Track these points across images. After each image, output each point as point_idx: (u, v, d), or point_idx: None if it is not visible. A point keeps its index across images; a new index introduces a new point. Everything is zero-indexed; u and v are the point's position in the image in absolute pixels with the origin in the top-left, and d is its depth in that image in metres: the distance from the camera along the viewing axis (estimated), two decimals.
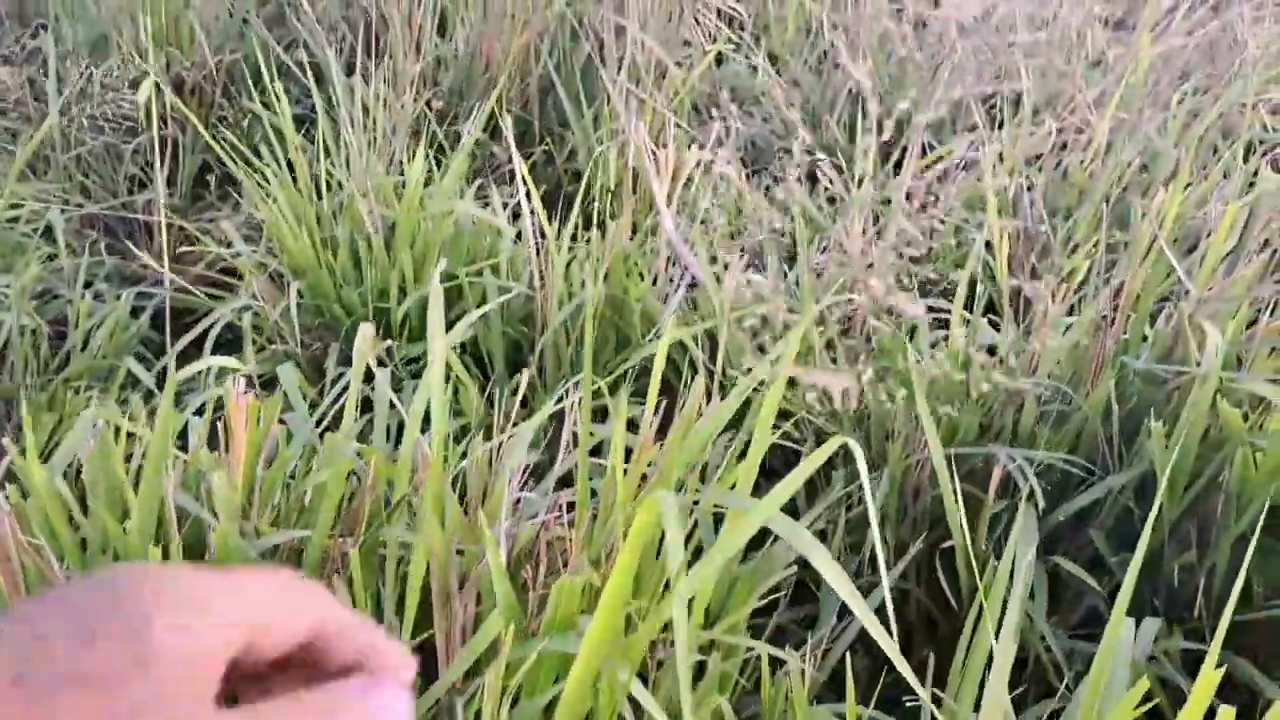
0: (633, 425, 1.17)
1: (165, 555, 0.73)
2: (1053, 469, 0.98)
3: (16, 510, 0.68)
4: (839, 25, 2.32)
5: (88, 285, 1.43)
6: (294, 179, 1.35)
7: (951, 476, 0.89)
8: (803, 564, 0.88)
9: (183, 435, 0.97)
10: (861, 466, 0.58)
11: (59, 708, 0.25)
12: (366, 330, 0.86)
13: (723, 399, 1.09)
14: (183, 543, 0.79)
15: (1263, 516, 0.88)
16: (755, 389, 0.90)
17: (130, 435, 0.92)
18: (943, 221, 1.47)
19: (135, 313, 1.39)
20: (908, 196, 1.66)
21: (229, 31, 1.78)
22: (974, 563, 0.89)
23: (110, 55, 1.71)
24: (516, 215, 1.37)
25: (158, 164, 1.33)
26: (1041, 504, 0.88)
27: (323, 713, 0.29)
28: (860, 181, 1.50)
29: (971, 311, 1.06)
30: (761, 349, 1.11)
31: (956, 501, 0.87)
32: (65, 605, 0.26)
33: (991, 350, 1.06)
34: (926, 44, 2.14)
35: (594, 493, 0.76)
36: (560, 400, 1.17)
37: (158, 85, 1.70)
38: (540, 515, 0.73)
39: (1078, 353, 1.00)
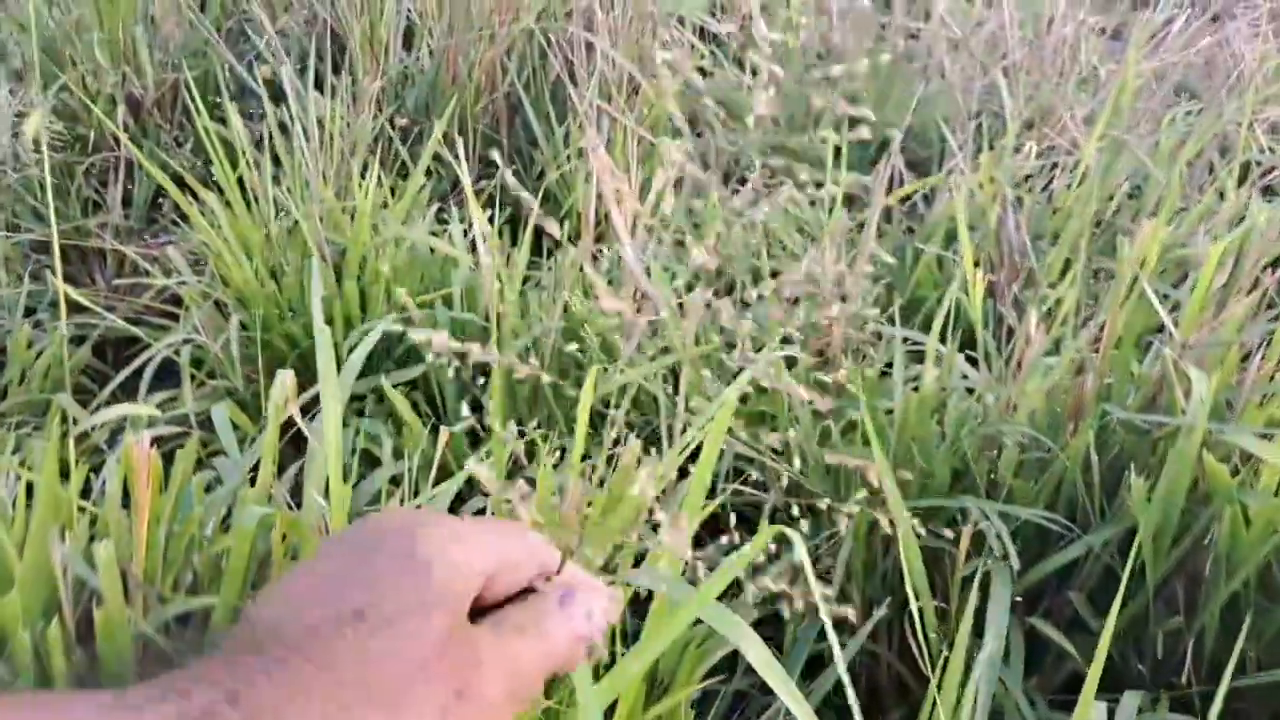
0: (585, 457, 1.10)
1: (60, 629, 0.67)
2: (1030, 522, 0.92)
3: None
4: (824, 39, 2.26)
5: (30, 313, 1.37)
6: (246, 201, 1.29)
7: (922, 531, 0.82)
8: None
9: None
10: (800, 552, 0.51)
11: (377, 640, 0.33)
12: (284, 377, 0.80)
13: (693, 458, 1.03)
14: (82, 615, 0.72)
15: (1254, 578, 0.82)
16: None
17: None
18: (921, 249, 1.41)
19: (81, 341, 1.33)
20: (887, 218, 1.59)
21: (189, 48, 1.73)
22: (932, 626, 0.82)
23: (65, 72, 1.65)
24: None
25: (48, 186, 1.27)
26: (1017, 563, 0.81)
27: (532, 620, 0.38)
28: (833, 204, 1.44)
29: (946, 344, 0.99)
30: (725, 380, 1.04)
31: (920, 558, 0.81)
32: (362, 553, 0.36)
33: (969, 390, 1.00)
34: (916, 57, 2.08)
35: None
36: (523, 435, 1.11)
37: (113, 99, 1.64)
38: None
39: (1057, 396, 0.93)
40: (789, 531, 0.51)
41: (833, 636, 0.51)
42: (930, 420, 0.92)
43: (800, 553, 0.48)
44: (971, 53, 1.97)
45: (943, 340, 0.97)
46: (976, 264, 1.33)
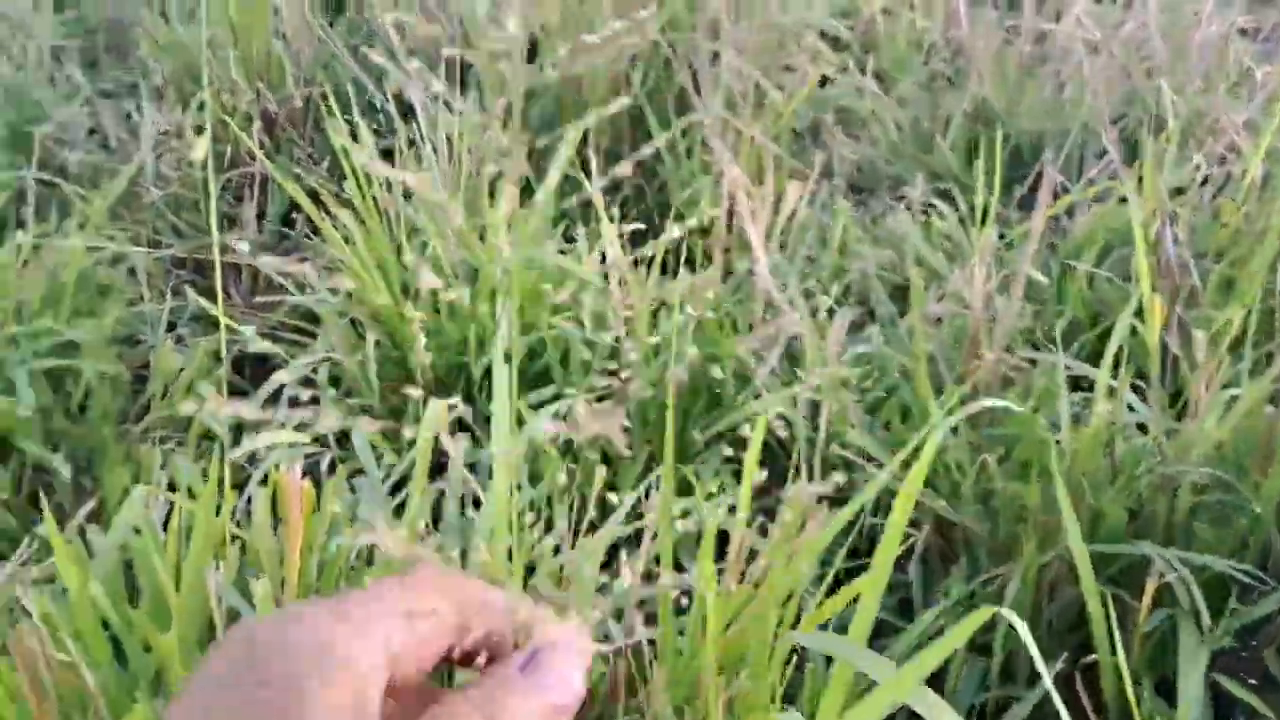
0: (722, 494, 1.07)
1: None
2: (1212, 567, 0.85)
3: (47, 619, 0.63)
4: (951, 41, 2.18)
5: (171, 328, 1.41)
6: (378, 215, 1.30)
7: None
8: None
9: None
10: (1024, 634, 0.47)
11: None
12: (438, 408, 0.79)
13: (824, 476, 0.98)
14: None
15: None
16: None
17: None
18: (1070, 265, 1.33)
19: (219, 356, 1.35)
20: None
21: (319, 63, 1.75)
22: (1128, 684, 0.77)
23: (201, 90, 1.69)
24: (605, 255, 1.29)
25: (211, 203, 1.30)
26: (1207, 619, 0.75)
27: (485, 702, 0.29)
28: (983, 216, 1.37)
29: (1116, 375, 0.93)
30: (870, 412, 1.00)
31: (1106, 612, 0.75)
32: (219, 690, 0.27)
33: (1141, 427, 0.93)
34: (1050, 61, 1.99)
35: (678, 606, 0.67)
36: (649, 472, 1.08)
37: (248, 115, 1.68)
38: (616, 638, 0.64)
39: (1242, 432, 0.86)
40: (1006, 613, 0.46)
41: (1058, 701, 0.47)
42: (1101, 457, 0.86)
43: (1024, 635, 0.44)
44: (1112, 53, 1.87)
45: (1115, 368, 0.91)
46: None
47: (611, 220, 1.18)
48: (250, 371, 1.38)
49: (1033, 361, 1.19)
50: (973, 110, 1.94)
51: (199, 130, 1.53)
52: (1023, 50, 2.11)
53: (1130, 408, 0.95)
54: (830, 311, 1.24)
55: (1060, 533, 0.86)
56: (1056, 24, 2.10)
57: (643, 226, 1.59)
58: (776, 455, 1.18)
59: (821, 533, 0.58)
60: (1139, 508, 0.86)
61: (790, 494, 0.62)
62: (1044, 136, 1.89)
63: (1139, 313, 0.95)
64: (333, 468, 1.14)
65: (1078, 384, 1.16)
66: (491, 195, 1.34)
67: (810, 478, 0.90)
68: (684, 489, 1.12)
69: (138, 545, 0.73)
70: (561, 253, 1.31)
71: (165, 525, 0.86)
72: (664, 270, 1.35)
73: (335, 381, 1.23)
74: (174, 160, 1.54)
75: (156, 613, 0.70)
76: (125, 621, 0.67)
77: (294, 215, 1.62)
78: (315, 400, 1.22)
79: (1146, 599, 0.76)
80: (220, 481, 0.70)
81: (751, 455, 0.61)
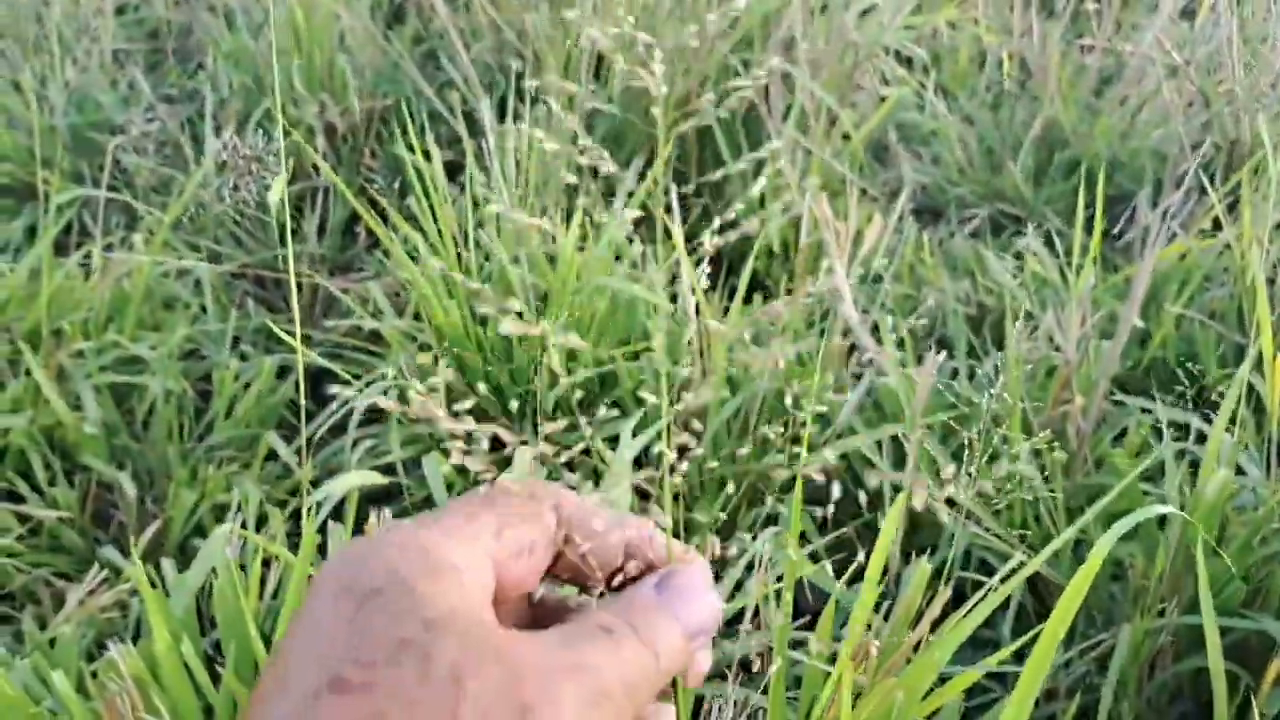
0: (804, 538, 1.04)
1: None
2: None
3: (137, 678, 0.61)
4: (1015, 56, 2.13)
5: (235, 341, 1.39)
6: (442, 235, 1.28)
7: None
8: None
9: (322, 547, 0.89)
10: None
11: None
12: (524, 455, 0.77)
13: (911, 528, 0.95)
14: None
15: None
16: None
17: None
18: (1160, 304, 1.29)
19: (283, 371, 1.34)
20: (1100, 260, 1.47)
21: (383, 74, 1.74)
22: None
23: (265, 98, 1.68)
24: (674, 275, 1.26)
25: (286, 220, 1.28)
26: None
27: (623, 617, 0.28)
28: (1067, 252, 1.33)
29: (1233, 431, 0.89)
30: (959, 457, 0.96)
31: (1225, 685, 0.72)
32: (336, 601, 0.26)
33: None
34: (1123, 82, 1.94)
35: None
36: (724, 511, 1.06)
37: (311, 128, 1.67)
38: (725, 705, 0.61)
39: None
40: None
41: None
42: (1215, 521, 0.82)
43: None
44: (1190, 78, 1.82)
45: (1230, 423, 0.87)
46: (1240, 322, 1.21)
47: (689, 254, 1.15)
48: (309, 388, 1.37)
49: (1118, 402, 1.15)
50: (1041, 131, 1.90)
51: (266, 138, 1.51)
52: (1096, 68, 2.06)
53: (1239, 469, 0.91)
54: (901, 342, 1.21)
55: (1165, 600, 0.82)
56: (1130, 44, 2.05)
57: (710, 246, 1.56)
58: (847, 487, 1.15)
59: (960, 623, 0.55)
60: (1254, 577, 0.82)
61: (912, 573, 0.59)
62: (1116, 161, 1.84)
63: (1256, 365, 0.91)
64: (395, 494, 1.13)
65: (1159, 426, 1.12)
66: (565, 216, 1.31)
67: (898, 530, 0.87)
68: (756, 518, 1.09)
69: (220, 591, 0.71)
70: (631, 277, 1.28)
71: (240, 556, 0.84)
72: (732, 292, 1.32)
73: (402, 399, 1.21)
74: (238, 169, 1.52)
75: (241, 664, 0.68)
76: (211, 676, 0.66)
77: (356, 229, 1.60)
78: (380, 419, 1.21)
79: (1270, 674, 0.72)
80: (311, 540, 0.68)
81: (876, 563, 0.58)
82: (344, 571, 0.27)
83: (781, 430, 0.96)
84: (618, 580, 0.31)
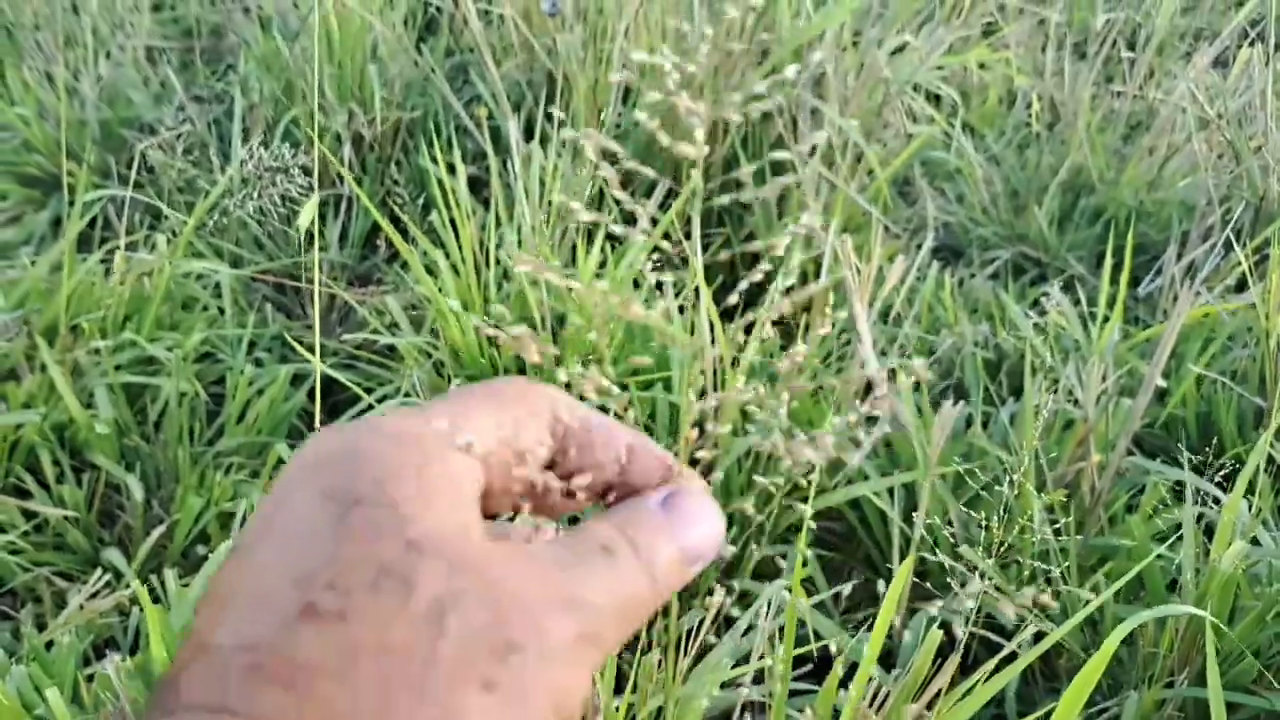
0: (811, 585, 1.03)
1: None
2: None
3: (132, 699, 0.60)
4: (1044, 96, 2.13)
5: (251, 346, 1.39)
6: (462, 253, 1.28)
7: None
8: None
9: None
10: None
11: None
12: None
13: (919, 575, 0.94)
14: None
15: None
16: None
17: None
18: (1180, 361, 1.28)
19: (297, 379, 1.34)
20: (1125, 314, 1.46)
21: (412, 86, 1.74)
22: None
23: (295, 105, 1.69)
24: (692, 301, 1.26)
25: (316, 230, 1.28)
26: None
27: (624, 533, 0.26)
28: (1088, 303, 1.32)
29: (1252, 496, 0.88)
30: (972, 505, 0.95)
31: None
32: (316, 471, 0.24)
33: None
34: (1152, 130, 1.93)
35: None
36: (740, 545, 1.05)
37: (338, 136, 1.67)
38: None
39: None
40: None
41: None
42: (1229, 594, 0.81)
43: None
44: (1222, 131, 1.80)
45: (1249, 491, 0.86)
46: (1262, 384, 1.20)
47: (708, 283, 1.15)
48: (329, 403, 1.37)
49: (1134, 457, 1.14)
50: (1068, 176, 1.89)
51: (293, 146, 1.51)
52: (1125, 116, 2.05)
53: (1254, 540, 0.90)
54: (917, 385, 1.20)
55: (1175, 671, 0.81)
56: (1161, 92, 2.04)
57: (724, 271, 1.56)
58: (856, 529, 1.14)
59: (969, 698, 0.54)
60: (1266, 653, 0.80)
61: (919, 631, 0.59)
62: (1142, 210, 1.83)
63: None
64: None
65: (1178, 485, 1.11)
66: (586, 246, 1.31)
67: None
68: (766, 566, 1.08)
69: None
70: (647, 303, 1.28)
71: None
72: (747, 324, 1.31)
73: None
74: (263, 180, 1.53)
75: None
76: None
77: (377, 240, 1.61)
78: None
79: None
80: None
81: (881, 627, 0.57)
82: (326, 470, 0.24)
83: (780, 481, 0.95)
84: (611, 497, 0.29)
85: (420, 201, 1.58)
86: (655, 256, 1.53)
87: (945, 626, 0.80)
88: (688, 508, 0.27)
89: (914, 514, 0.98)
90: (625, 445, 0.28)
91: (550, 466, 0.28)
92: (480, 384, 0.28)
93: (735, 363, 1.18)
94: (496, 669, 0.22)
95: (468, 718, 0.22)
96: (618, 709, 0.61)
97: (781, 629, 0.71)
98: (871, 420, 1.13)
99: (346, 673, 0.21)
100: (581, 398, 0.31)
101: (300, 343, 1.36)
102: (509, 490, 0.27)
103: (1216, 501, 1.04)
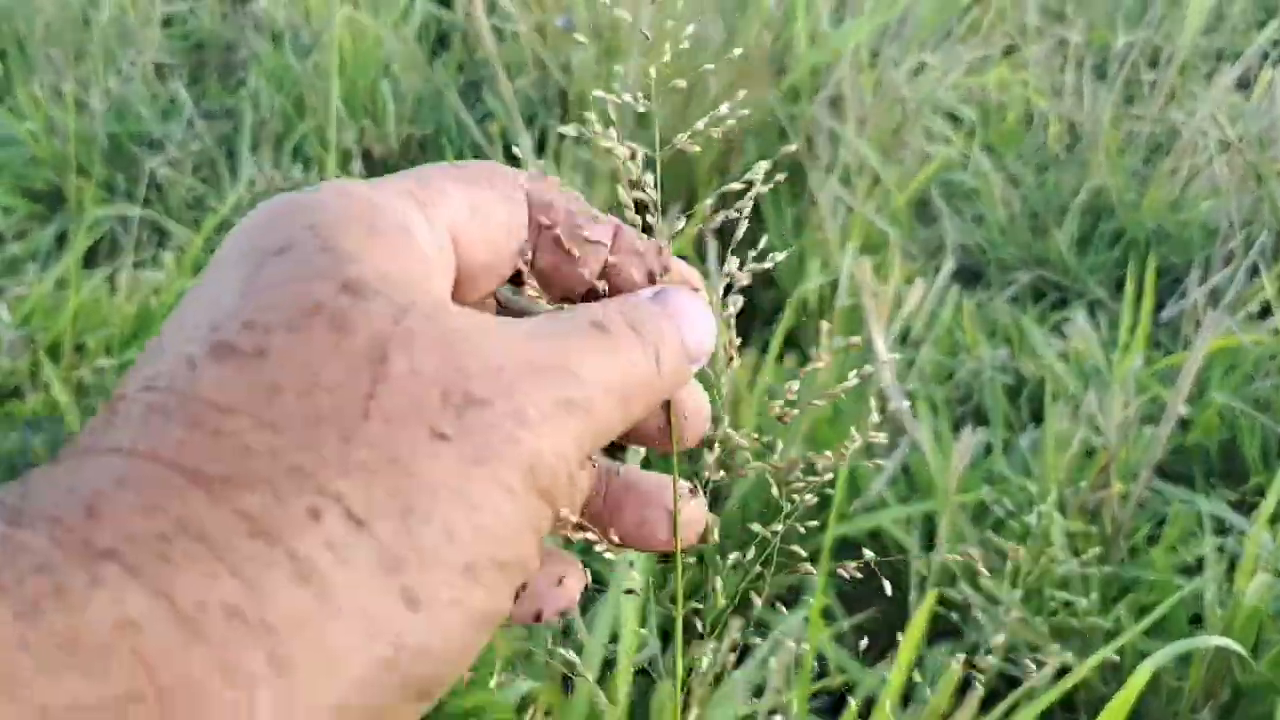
0: (827, 613, 1.00)
1: None
2: None
3: None
4: (1064, 117, 2.10)
5: None
6: None
7: None
8: None
9: None
10: None
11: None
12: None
13: (939, 602, 0.91)
14: None
15: None
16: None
17: None
18: (1204, 392, 1.25)
19: None
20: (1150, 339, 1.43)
21: (424, 102, 1.73)
22: None
23: (305, 120, 1.68)
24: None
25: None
26: None
27: (622, 314, 0.23)
28: (1114, 327, 1.30)
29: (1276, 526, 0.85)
30: (1002, 555, 0.93)
31: None
32: (256, 234, 0.21)
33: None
34: (1173, 153, 1.90)
35: None
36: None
37: (348, 153, 1.66)
38: None
39: None
40: None
41: None
42: (1254, 627, 0.78)
43: None
44: (1244, 154, 1.78)
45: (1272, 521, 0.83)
46: None
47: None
48: None
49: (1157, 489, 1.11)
50: (1088, 198, 1.87)
51: (303, 163, 1.50)
52: (1146, 137, 2.03)
53: (1278, 572, 0.87)
54: (936, 409, 1.18)
55: (1198, 707, 0.78)
56: (1182, 113, 2.02)
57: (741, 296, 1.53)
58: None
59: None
60: None
61: (938, 669, 0.56)
62: (1163, 232, 1.80)
63: None
64: None
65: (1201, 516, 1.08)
66: None
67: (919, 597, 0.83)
68: (783, 592, 1.05)
69: None
70: None
71: None
72: (764, 346, 1.29)
73: None
74: (273, 193, 1.51)
75: None
76: None
77: None
78: None
79: None
80: None
81: (904, 659, 0.55)
82: (254, 230, 0.21)
83: (791, 507, 0.92)
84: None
85: None
86: None
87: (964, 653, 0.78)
88: (683, 304, 0.25)
89: (933, 542, 0.95)
90: (611, 232, 0.26)
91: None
92: (442, 163, 0.25)
93: (751, 385, 1.16)
94: (450, 419, 0.19)
95: (413, 464, 0.18)
96: None
97: (798, 659, 0.68)
98: (889, 446, 1.11)
99: (262, 411, 0.18)
100: None
101: None
102: (489, 273, 0.24)
103: (1241, 531, 1.01)
